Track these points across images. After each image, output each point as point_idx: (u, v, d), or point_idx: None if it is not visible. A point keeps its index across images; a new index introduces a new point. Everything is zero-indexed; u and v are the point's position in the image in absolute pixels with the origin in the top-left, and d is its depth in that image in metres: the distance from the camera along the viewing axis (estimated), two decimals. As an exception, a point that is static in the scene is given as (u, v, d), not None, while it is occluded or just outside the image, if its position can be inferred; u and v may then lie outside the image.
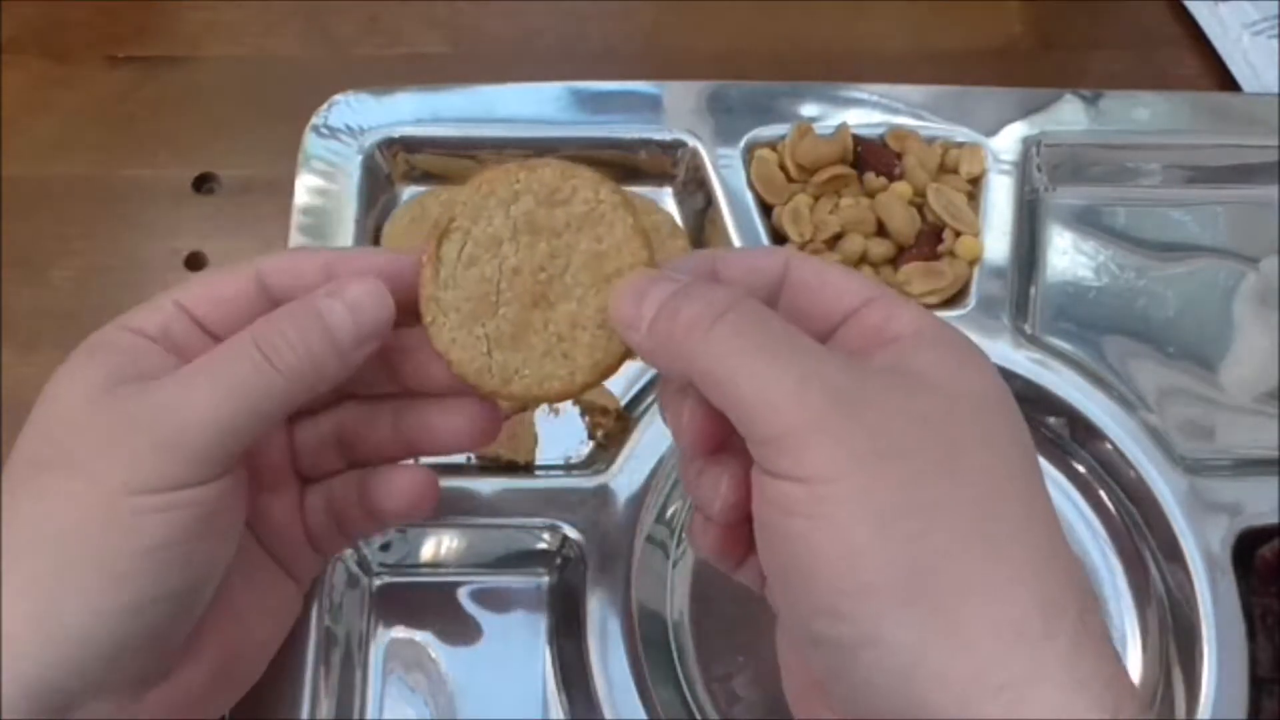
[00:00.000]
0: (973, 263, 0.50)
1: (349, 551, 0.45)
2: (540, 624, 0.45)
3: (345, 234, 0.49)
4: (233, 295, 0.34)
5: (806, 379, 0.27)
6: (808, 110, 0.53)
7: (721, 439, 0.32)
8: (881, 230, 0.50)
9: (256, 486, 0.35)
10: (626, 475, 0.46)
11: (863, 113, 0.53)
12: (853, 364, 0.29)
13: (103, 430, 0.30)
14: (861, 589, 0.26)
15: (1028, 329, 0.50)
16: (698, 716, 0.44)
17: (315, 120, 0.51)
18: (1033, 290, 0.52)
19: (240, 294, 0.34)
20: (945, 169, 0.52)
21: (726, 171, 0.51)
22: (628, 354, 0.33)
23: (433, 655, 0.45)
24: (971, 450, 0.28)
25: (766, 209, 0.51)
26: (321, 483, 0.38)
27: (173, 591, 0.31)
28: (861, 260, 0.50)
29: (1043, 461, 0.47)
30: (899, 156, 0.52)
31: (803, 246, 0.49)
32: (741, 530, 0.32)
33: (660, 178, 0.53)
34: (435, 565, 0.46)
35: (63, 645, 0.29)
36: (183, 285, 0.34)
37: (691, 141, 0.52)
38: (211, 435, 0.30)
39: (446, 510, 0.44)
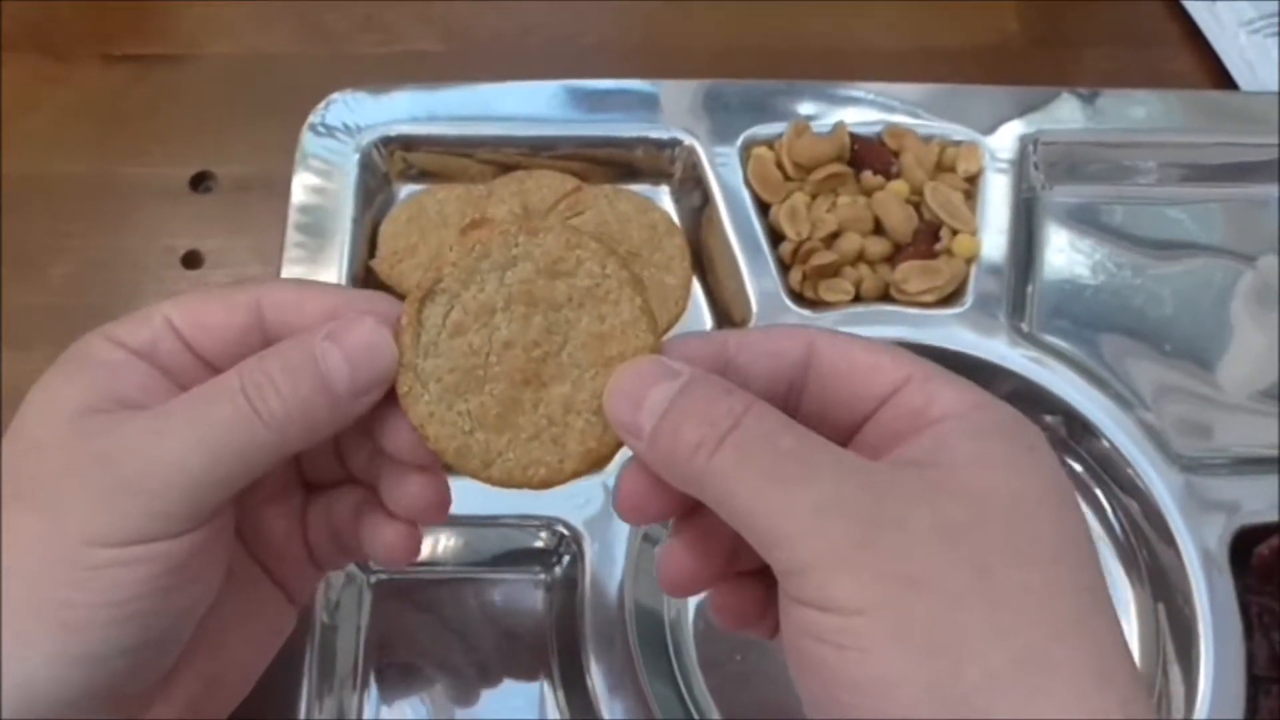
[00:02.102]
0: (970, 261, 0.50)
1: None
2: (537, 622, 0.45)
3: (342, 232, 0.49)
4: (226, 323, 0.31)
5: (822, 509, 0.26)
6: (805, 108, 0.53)
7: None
8: (878, 228, 0.50)
9: (256, 496, 0.33)
10: (624, 473, 0.45)
11: (860, 111, 0.53)
12: (875, 476, 0.27)
13: (68, 467, 0.28)
14: None
15: (1024, 327, 0.50)
16: (695, 715, 0.44)
17: (312, 119, 0.51)
18: (1030, 288, 0.52)
19: (234, 323, 0.31)
20: (942, 167, 0.52)
21: (723, 170, 0.51)
22: (622, 444, 0.30)
23: (429, 653, 0.45)
24: (1007, 568, 0.25)
25: (763, 207, 0.51)
26: (325, 494, 0.35)
27: (135, 645, 0.29)
28: (859, 258, 0.50)
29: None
30: (896, 155, 0.52)
31: (800, 244, 0.49)
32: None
33: (657, 176, 0.53)
34: (432, 563, 0.46)
35: (16, 692, 0.27)
36: (177, 300, 0.32)
37: (688, 140, 0.52)
38: (183, 488, 0.28)
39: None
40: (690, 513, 0.31)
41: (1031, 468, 0.27)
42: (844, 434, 0.30)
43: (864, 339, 0.30)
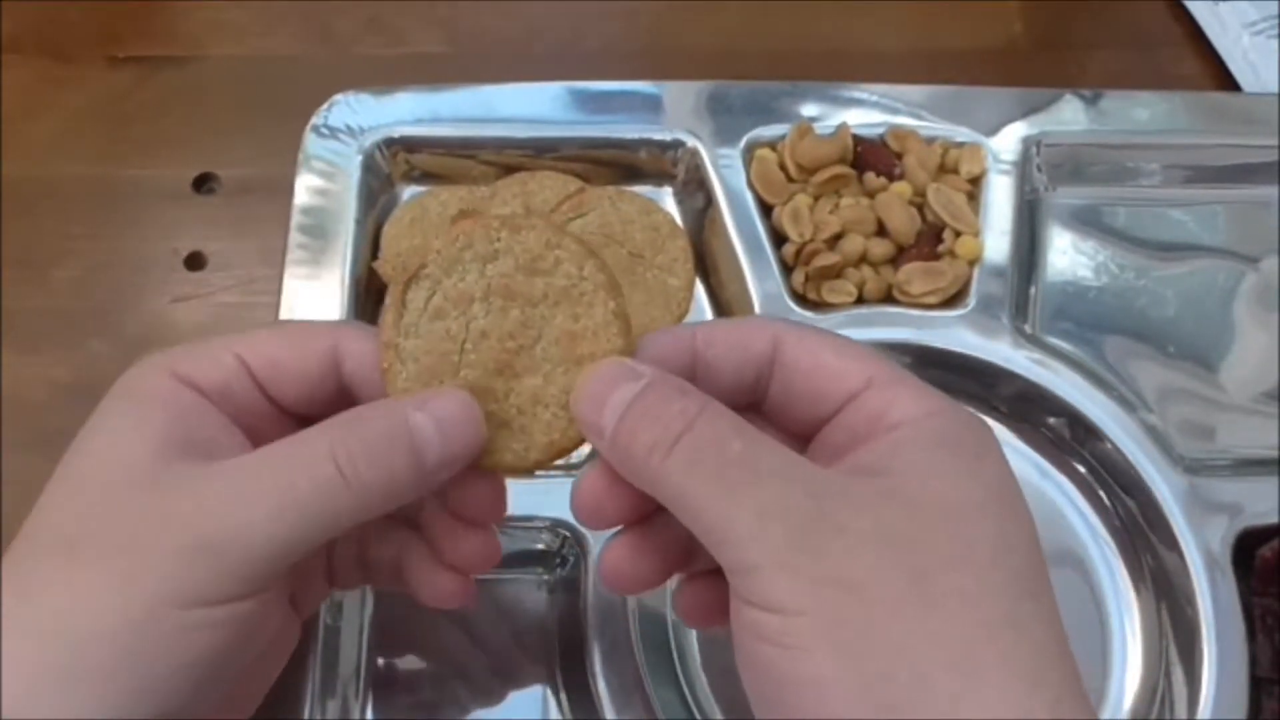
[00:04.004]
0: (973, 262, 0.50)
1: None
2: (540, 624, 0.45)
3: (345, 234, 0.49)
4: (303, 369, 0.32)
5: (766, 513, 0.26)
6: (808, 110, 0.53)
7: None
8: (881, 230, 0.50)
9: None
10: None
11: (863, 112, 0.53)
12: (821, 482, 0.28)
13: (147, 520, 0.28)
14: None
15: (1028, 329, 0.50)
16: (698, 717, 0.44)
17: (315, 120, 0.51)
18: (1032, 290, 0.51)
19: (311, 370, 0.32)
20: (945, 169, 0.52)
21: (726, 171, 0.51)
22: (584, 439, 0.31)
23: (433, 655, 0.45)
24: (946, 573, 0.26)
25: (766, 209, 0.51)
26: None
27: (201, 699, 0.29)
28: (861, 260, 0.50)
29: (1043, 462, 0.48)
30: (899, 156, 0.52)
31: (803, 246, 0.49)
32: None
33: (660, 177, 0.53)
34: (435, 565, 0.46)
35: None
36: (250, 338, 0.32)
37: (691, 141, 0.52)
38: (266, 553, 0.28)
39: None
40: (642, 519, 0.32)
41: (977, 474, 0.28)
42: (808, 429, 0.31)
43: (834, 337, 0.31)
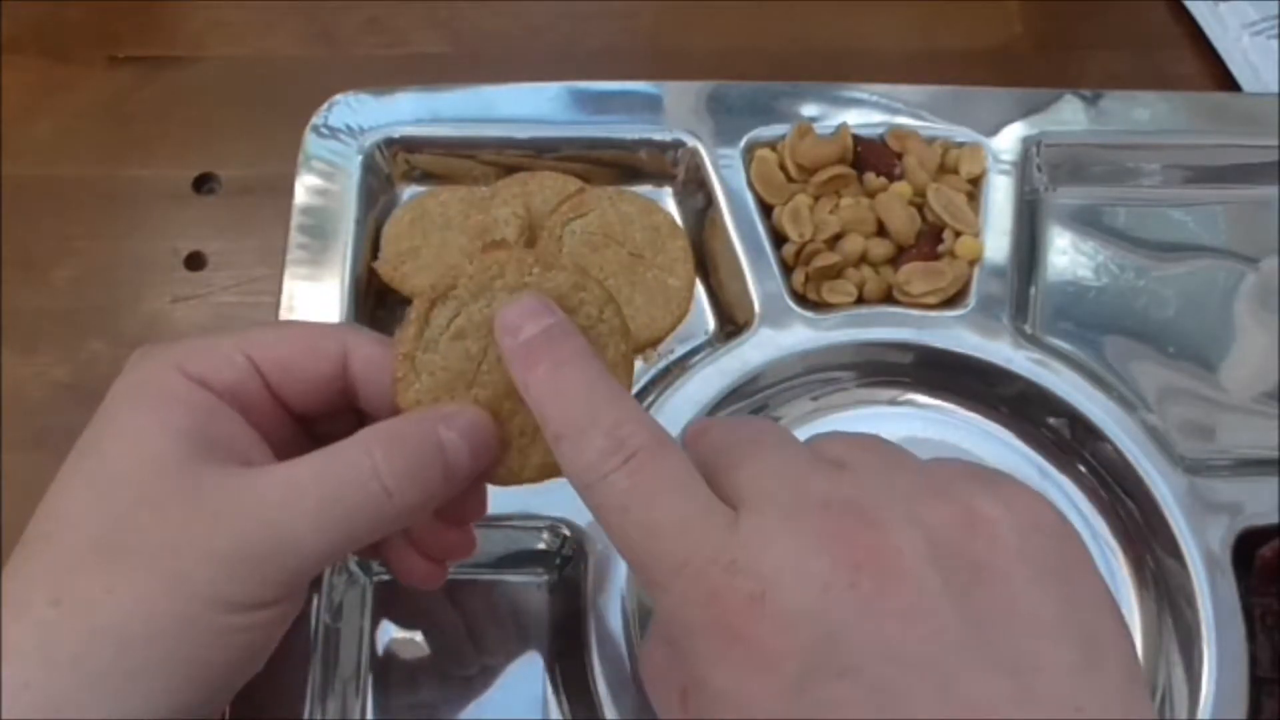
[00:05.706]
0: (973, 263, 0.50)
1: (349, 551, 0.45)
2: (540, 624, 0.45)
3: (345, 234, 0.49)
4: (313, 371, 0.32)
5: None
6: (808, 110, 0.53)
7: None
8: (881, 230, 0.50)
9: None
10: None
11: (863, 113, 0.53)
12: None
13: (189, 524, 0.28)
14: None
15: (1028, 329, 0.50)
16: (698, 716, 0.44)
17: (315, 120, 0.51)
18: (1033, 290, 0.51)
19: (321, 371, 0.32)
20: (945, 169, 0.52)
21: (726, 171, 0.51)
22: None
23: (432, 655, 0.45)
24: None
25: (766, 209, 0.51)
26: None
27: (226, 696, 0.30)
28: (862, 260, 0.50)
29: (1043, 462, 0.48)
30: (899, 156, 0.52)
31: (803, 246, 0.49)
32: None
33: (660, 178, 0.53)
34: (435, 565, 0.46)
35: None
36: (258, 339, 0.32)
37: (691, 141, 0.52)
38: (311, 560, 0.29)
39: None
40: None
41: None
42: None
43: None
